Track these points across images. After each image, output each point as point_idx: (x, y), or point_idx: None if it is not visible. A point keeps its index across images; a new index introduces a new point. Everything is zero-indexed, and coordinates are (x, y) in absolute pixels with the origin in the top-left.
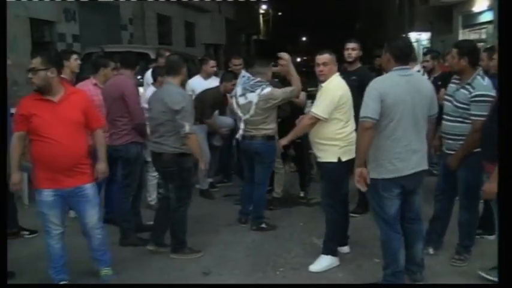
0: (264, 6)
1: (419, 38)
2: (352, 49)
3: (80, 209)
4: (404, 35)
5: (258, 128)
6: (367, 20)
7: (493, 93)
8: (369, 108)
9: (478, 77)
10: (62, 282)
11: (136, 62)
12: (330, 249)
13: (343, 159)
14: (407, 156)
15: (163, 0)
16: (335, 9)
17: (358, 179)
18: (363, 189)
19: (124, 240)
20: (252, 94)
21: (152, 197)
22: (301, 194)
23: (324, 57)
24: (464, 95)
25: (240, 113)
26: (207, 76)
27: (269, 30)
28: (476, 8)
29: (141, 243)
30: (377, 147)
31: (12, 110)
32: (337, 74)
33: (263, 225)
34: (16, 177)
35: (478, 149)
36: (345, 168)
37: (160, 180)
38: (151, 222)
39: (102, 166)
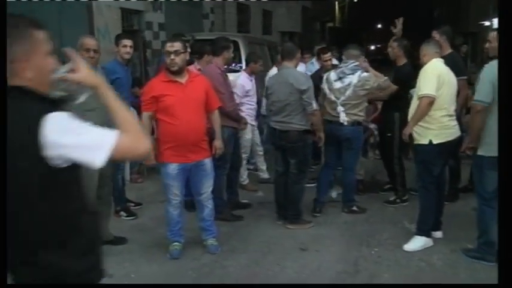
0: None
1: None
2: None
3: (198, 181)
4: (488, 22)
5: (349, 113)
6: (447, 6)
7: None
8: (482, 92)
9: None
10: (175, 244)
11: (229, 49)
12: (423, 231)
13: (435, 142)
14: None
15: None
16: None
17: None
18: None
19: (217, 215)
20: (351, 76)
21: (244, 177)
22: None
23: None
24: None
25: (333, 98)
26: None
27: (344, 18)
28: None
29: (235, 219)
30: (488, 127)
31: None
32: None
33: (354, 208)
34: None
35: None
36: (436, 150)
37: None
38: (246, 201)
39: (219, 143)
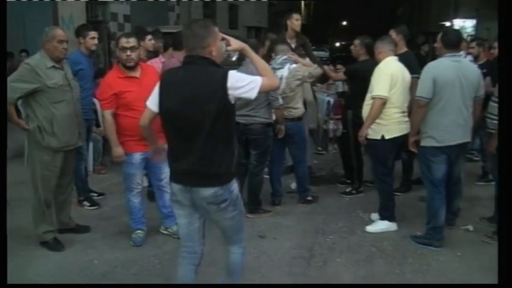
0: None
1: (464, 25)
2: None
3: (157, 167)
4: (448, 22)
5: (288, 108)
6: (410, 5)
7: None
8: (424, 89)
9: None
10: (138, 232)
11: None
12: (385, 216)
13: (387, 137)
14: (453, 129)
15: None
16: None
17: (412, 145)
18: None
19: None
20: (281, 70)
21: None
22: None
23: None
24: None
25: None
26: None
27: (310, 14)
28: None
29: None
30: (429, 121)
31: None
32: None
33: (309, 198)
34: (120, 151)
35: None
36: (389, 145)
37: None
38: None
39: None
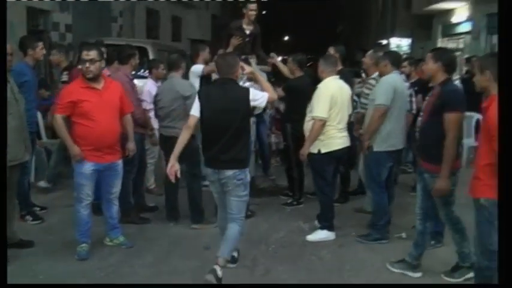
0: (249, 5)
1: (400, 44)
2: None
3: (110, 181)
4: (385, 40)
5: None
6: (349, 23)
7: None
8: (385, 96)
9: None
10: (83, 245)
11: (135, 56)
12: (325, 226)
13: (323, 151)
14: (400, 135)
15: None
16: (318, 10)
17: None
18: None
19: (125, 218)
20: None
21: (151, 181)
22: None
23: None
24: None
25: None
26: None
27: None
28: (455, 19)
29: (142, 222)
30: (385, 127)
31: None
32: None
33: (248, 212)
34: (77, 149)
35: None
36: (326, 159)
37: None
38: (153, 204)
39: (132, 145)
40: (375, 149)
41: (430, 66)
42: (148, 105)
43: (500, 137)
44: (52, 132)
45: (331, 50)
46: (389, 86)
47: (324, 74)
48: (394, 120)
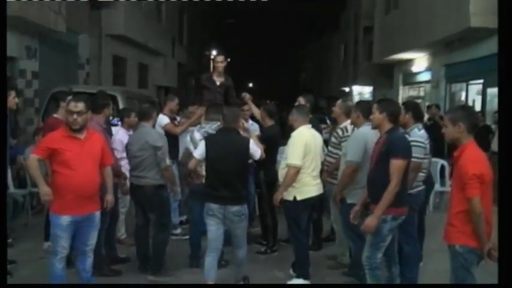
0: (214, 53)
1: (362, 91)
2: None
3: (87, 232)
4: (348, 88)
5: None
6: (312, 71)
7: (424, 140)
8: (356, 153)
9: (416, 128)
10: None
11: (109, 106)
12: (300, 274)
13: (299, 198)
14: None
15: (120, 42)
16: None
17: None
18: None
19: (97, 271)
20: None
21: (122, 231)
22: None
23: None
24: None
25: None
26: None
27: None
28: (415, 68)
29: (113, 274)
30: (360, 179)
31: None
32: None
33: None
34: (47, 189)
35: None
36: (301, 206)
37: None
38: (124, 255)
39: (110, 197)
40: (348, 201)
41: (377, 116)
42: (119, 153)
43: (500, 137)
44: (19, 182)
45: (302, 100)
46: (361, 141)
47: (296, 123)
48: (366, 172)
